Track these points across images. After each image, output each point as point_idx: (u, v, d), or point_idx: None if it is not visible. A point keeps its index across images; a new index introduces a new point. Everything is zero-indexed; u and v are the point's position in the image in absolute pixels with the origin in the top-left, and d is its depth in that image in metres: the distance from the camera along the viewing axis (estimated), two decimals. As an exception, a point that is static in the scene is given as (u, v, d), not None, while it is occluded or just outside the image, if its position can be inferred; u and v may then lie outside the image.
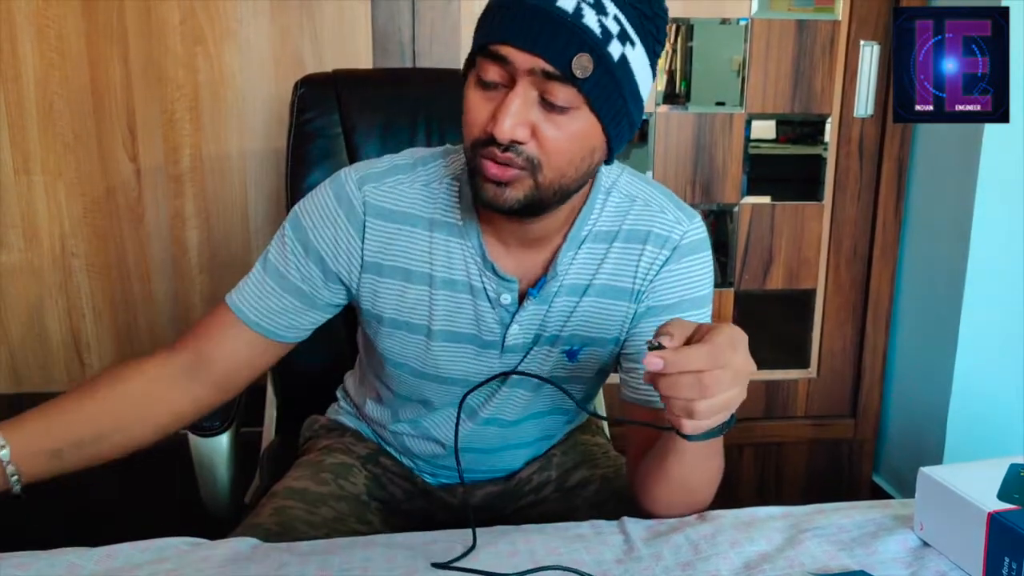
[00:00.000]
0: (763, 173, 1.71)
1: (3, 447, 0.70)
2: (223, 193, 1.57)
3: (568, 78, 0.64)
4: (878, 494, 1.81)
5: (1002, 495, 0.64)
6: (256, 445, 1.14)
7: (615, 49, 0.65)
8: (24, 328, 1.58)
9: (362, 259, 0.78)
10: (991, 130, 1.46)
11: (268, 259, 0.79)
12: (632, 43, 0.66)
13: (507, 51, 0.64)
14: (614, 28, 0.65)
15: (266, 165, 1.56)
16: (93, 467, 0.75)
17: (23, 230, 1.54)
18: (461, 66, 1.68)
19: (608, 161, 0.73)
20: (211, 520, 0.99)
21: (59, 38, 1.47)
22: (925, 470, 0.69)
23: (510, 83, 0.66)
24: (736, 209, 1.71)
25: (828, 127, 1.70)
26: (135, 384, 0.77)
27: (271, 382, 1.19)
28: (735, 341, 0.61)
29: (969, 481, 0.66)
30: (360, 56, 1.54)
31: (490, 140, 0.66)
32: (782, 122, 1.71)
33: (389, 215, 0.77)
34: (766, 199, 1.72)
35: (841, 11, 1.65)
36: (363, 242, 0.77)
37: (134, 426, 0.77)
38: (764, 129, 1.70)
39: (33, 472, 0.71)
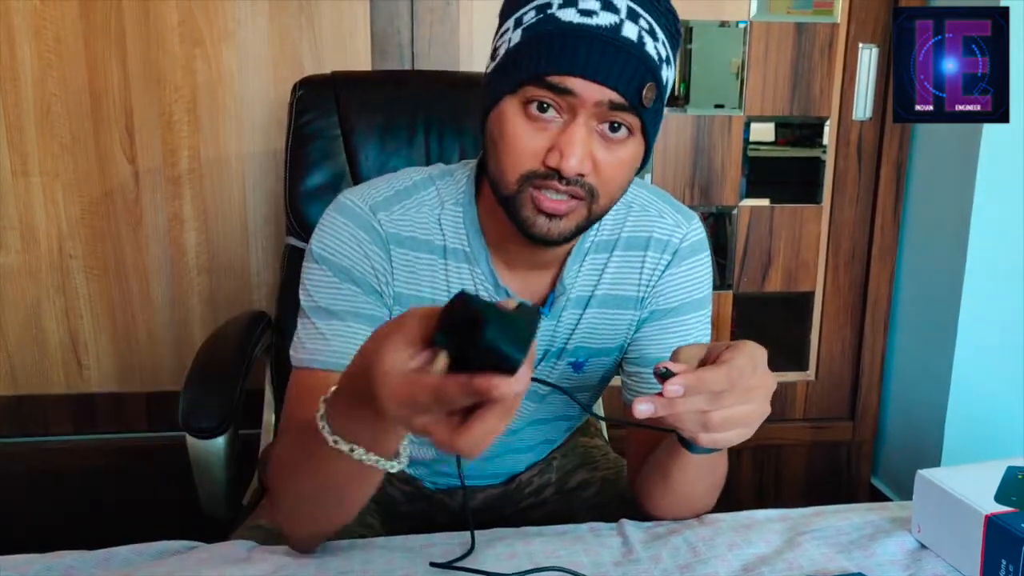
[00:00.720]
0: (762, 176, 1.72)
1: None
2: (221, 195, 1.56)
3: (634, 108, 0.63)
4: (876, 496, 1.81)
5: (999, 497, 0.65)
6: (254, 447, 1.13)
7: (665, 74, 0.66)
8: (22, 330, 1.57)
9: (394, 290, 0.74)
10: (989, 132, 1.46)
11: (329, 309, 0.71)
12: (671, 66, 0.68)
13: (574, 83, 0.62)
14: (663, 53, 0.66)
15: (265, 167, 1.56)
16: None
17: (21, 232, 1.54)
18: (460, 68, 1.66)
19: (640, 171, 0.73)
20: (209, 522, 0.98)
21: (57, 39, 1.47)
22: (923, 472, 0.69)
23: (566, 113, 0.64)
24: (735, 211, 1.72)
25: (827, 130, 1.71)
26: None
27: (269, 384, 1.18)
28: (755, 360, 0.58)
29: (966, 483, 0.66)
30: (359, 58, 1.54)
31: (548, 173, 0.64)
32: (781, 124, 1.71)
33: (408, 243, 0.74)
34: (765, 202, 1.72)
35: (840, 14, 1.65)
36: (392, 271, 0.74)
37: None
38: (763, 132, 1.70)
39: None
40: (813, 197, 1.74)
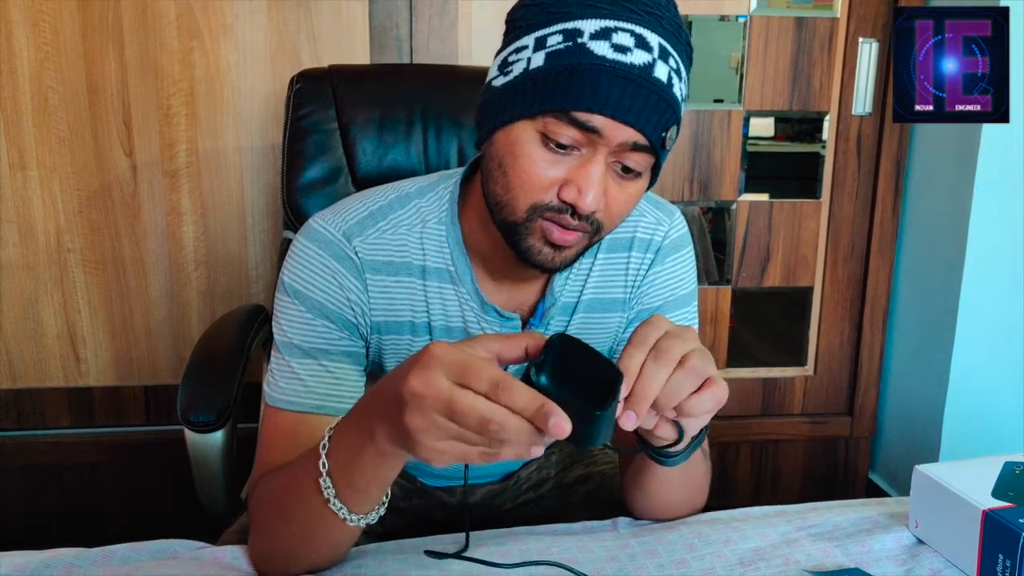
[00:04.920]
0: (761, 171, 1.71)
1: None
2: (219, 188, 1.56)
3: (656, 149, 0.63)
4: (874, 492, 1.81)
5: (997, 493, 0.65)
6: (252, 441, 1.13)
7: (683, 111, 0.66)
8: (19, 323, 1.57)
9: (370, 320, 0.72)
10: (989, 129, 1.46)
11: (301, 346, 0.70)
12: (686, 100, 0.66)
13: (602, 122, 0.60)
14: (685, 92, 0.65)
15: (262, 161, 1.56)
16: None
17: (18, 225, 1.53)
18: (459, 62, 1.66)
19: None
20: (207, 516, 0.98)
21: (54, 32, 1.46)
22: (920, 468, 0.69)
23: (586, 147, 0.62)
24: (734, 206, 1.71)
25: (826, 125, 1.70)
26: None
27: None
28: (657, 325, 0.55)
29: (964, 479, 0.66)
30: (357, 52, 1.54)
31: (561, 207, 0.63)
32: (780, 119, 1.71)
33: (384, 268, 0.71)
34: (764, 197, 1.72)
35: (840, 8, 1.64)
36: (369, 300, 0.71)
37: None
38: (762, 126, 1.70)
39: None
40: (812, 192, 1.74)
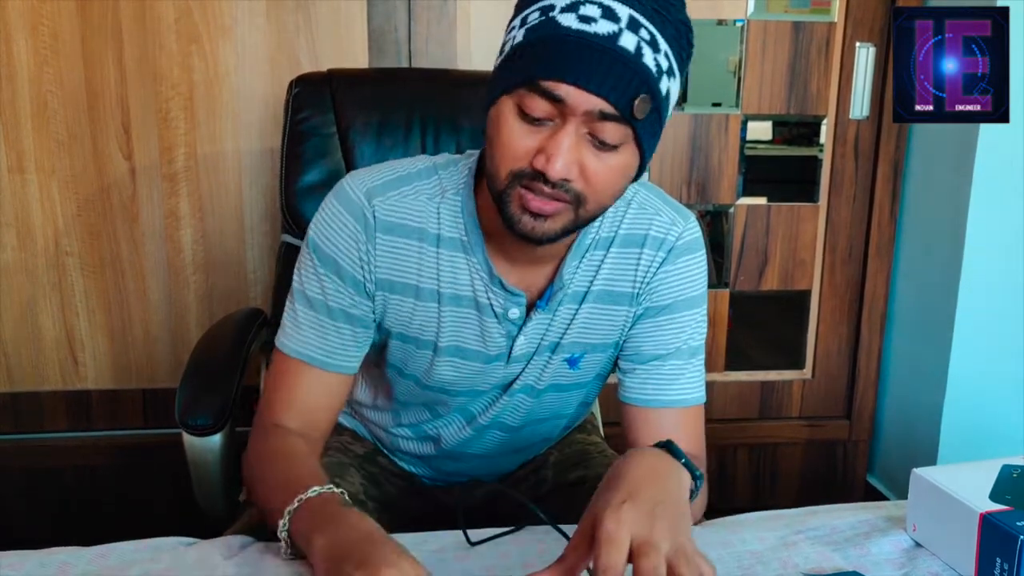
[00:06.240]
0: (759, 174, 1.72)
1: (343, 493, 0.66)
2: (218, 192, 1.56)
3: (625, 118, 0.63)
4: (872, 495, 1.81)
5: (994, 496, 0.65)
6: (250, 445, 1.13)
7: (664, 86, 0.65)
8: (18, 327, 1.57)
9: (375, 276, 0.76)
10: (986, 131, 1.46)
11: (309, 296, 0.76)
12: (674, 77, 0.67)
13: (566, 90, 0.62)
14: (664, 64, 0.65)
15: (261, 164, 1.56)
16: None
17: (17, 229, 1.53)
18: (458, 65, 1.67)
19: (635, 179, 0.72)
20: (205, 519, 0.98)
21: (53, 35, 1.46)
22: (918, 471, 0.69)
23: (558, 118, 0.64)
24: (732, 210, 1.72)
25: (824, 128, 1.71)
26: (310, 456, 0.75)
27: (264, 381, 1.18)
28: (620, 518, 0.54)
29: (961, 482, 0.66)
30: (356, 55, 1.54)
31: (535, 174, 0.65)
32: (778, 123, 1.71)
33: (397, 229, 0.75)
34: (762, 200, 1.73)
35: (837, 13, 1.65)
36: (376, 257, 0.75)
37: None
38: (760, 130, 1.70)
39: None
40: (810, 196, 1.74)
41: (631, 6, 0.63)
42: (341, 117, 1.15)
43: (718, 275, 1.75)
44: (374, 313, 0.78)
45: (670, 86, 0.66)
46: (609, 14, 0.62)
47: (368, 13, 1.53)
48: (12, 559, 0.64)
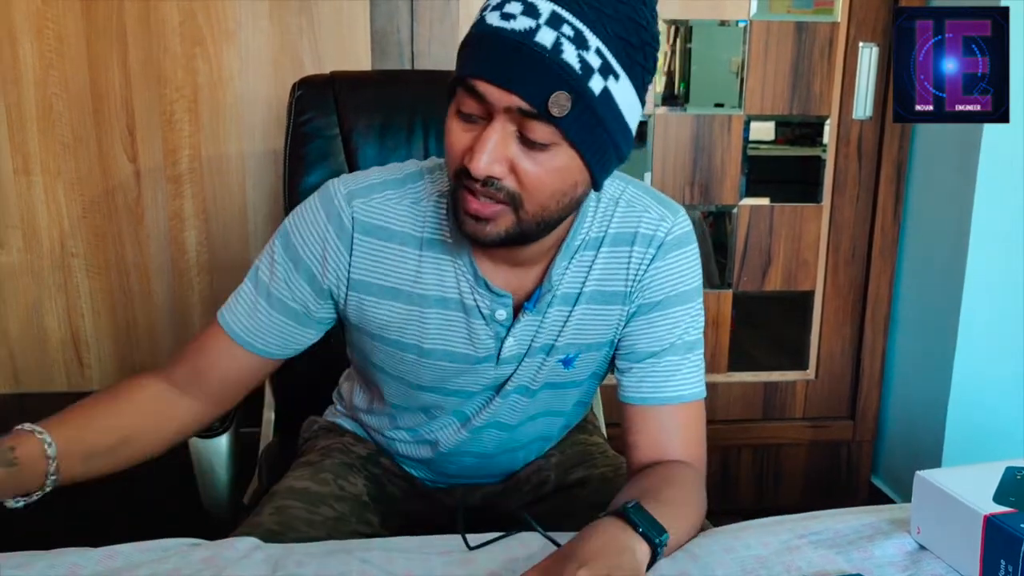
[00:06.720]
0: (762, 174, 1.72)
1: (50, 445, 0.69)
2: (222, 194, 1.57)
3: (545, 116, 0.63)
4: (877, 496, 1.81)
5: (998, 498, 0.65)
6: (253, 446, 1.14)
7: (596, 84, 0.63)
8: (23, 328, 1.58)
9: (348, 276, 0.76)
10: (990, 131, 1.46)
11: (259, 277, 0.78)
12: (616, 75, 0.64)
13: (483, 87, 0.63)
14: (595, 62, 0.63)
15: (265, 166, 1.56)
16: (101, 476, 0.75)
17: (23, 231, 1.54)
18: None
19: (596, 188, 0.71)
20: (211, 521, 0.99)
21: (58, 39, 1.47)
22: (921, 473, 0.69)
23: (488, 116, 0.64)
24: (735, 210, 1.72)
25: (827, 129, 1.70)
26: (146, 397, 0.78)
27: (269, 383, 1.19)
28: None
29: (965, 484, 0.66)
30: (359, 57, 1.54)
31: (468, 172, 0.65)
32: (781, 124, 1.71)
33: (377, 232, 0.75)
34: (765, 201, 1.73)
35: (840, 13, 1.65)
36: (351, 258, 0.76)
37: (150, 436, 0.78)
38: (763, 131, 1.70)
39: (66, 475, 0.71)
40: (813, 196, 1.74)
41: (555, 1, 0.62)
42: (344, 119, 1.16)
43: (721, 276, 1.75)
44: (338, 313, 0.80)
45: (607, 84, 0.63)
46: (530, 11, 0.62)
47: (371, 14, 1.53)
48: (21, 559, 0.65)
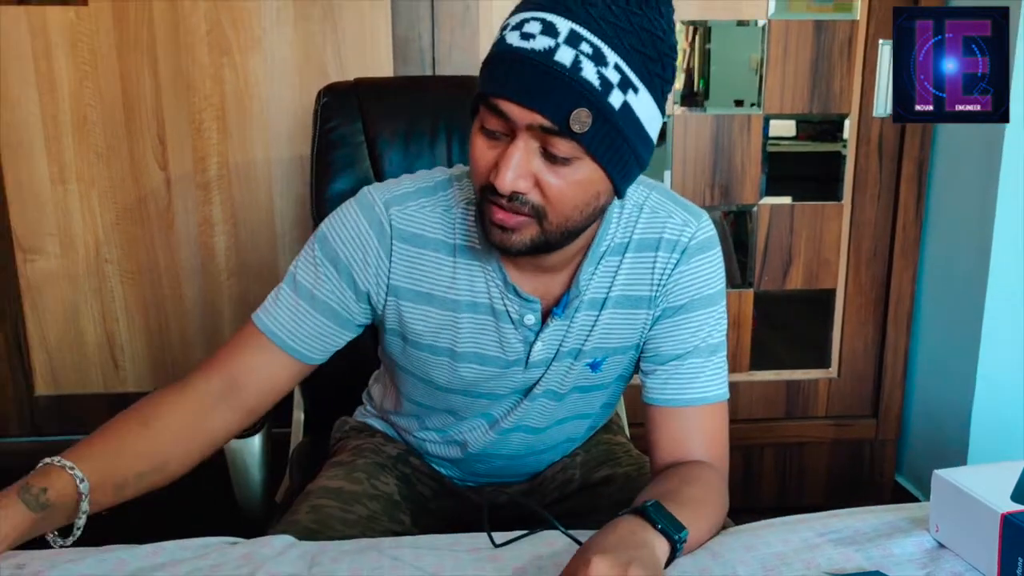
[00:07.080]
0: (782, 172, 1.71)
1: (83, 481, 0.69)
2: (249, 200, 1.60)
3: (566, 132, 0.64)
4: (901, 494, 1.80)
5: (1016, 496, 0.65)
6: (284, 446, 1.17)
7: (616, 99, 0.65)
8: (61, 332, 1.63)
9: (388, 282, 0.78)
10: (1012, 130, 1.45)
11: (298, 280, 0.79)
12: (635, 89, 0.66)
13: (506, 106, 0.65)
14: (614, 77, 0.64)
15: (291, 172, 1.60)
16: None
17: (59, 238, 1.59)
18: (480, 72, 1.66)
19: (620, 196, 0.73)
20: (245, 519, 1.02)
21: (91, 51, 1.51)
22: (939, 472, 0.70)
23: (511, 133, 0.66)
24: (755, 209, 1.72)
25: (847, 127, 1.70)
26: (178, 418, 0.77)
27: (298, 385, 1.22)
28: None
29: (983, 483, 0.67)
30: (381, 63, 1.57)
31: (493, 188, 0.67)
32: (801, 122, 1.71)
33: (414, 239, 0.78)
34: (785, 199, 1.72)
35: (859, 11, 1.64)
36: (391, 265, 0.78)
37: (182, 457, 0.78)
38: (783, 129, 1.70)
39: (97, 507, 0.72)
40: (834, 194, 1.74)
41: (573, 20, 0.64)
42: (369, 126, 1.18)
43: (742, 275, 1.75)
44: (376, 318, 0.81)
45: (627, 98, 0.65)
46: (548, 30, 0.64)
47: (392, 21, 1.56)
48: (73, 555, 0.68)
